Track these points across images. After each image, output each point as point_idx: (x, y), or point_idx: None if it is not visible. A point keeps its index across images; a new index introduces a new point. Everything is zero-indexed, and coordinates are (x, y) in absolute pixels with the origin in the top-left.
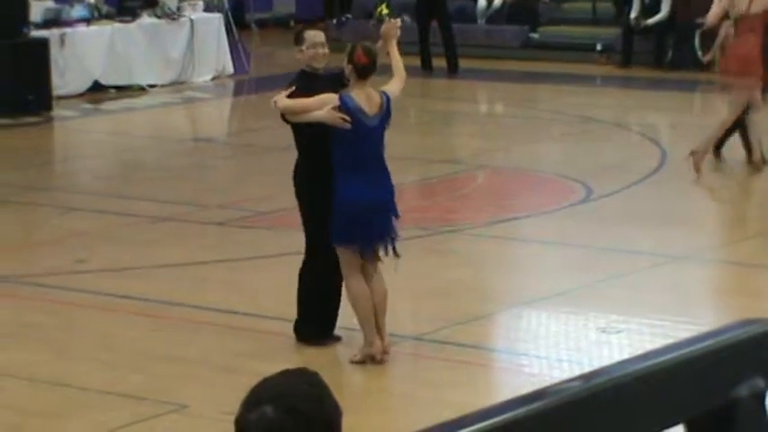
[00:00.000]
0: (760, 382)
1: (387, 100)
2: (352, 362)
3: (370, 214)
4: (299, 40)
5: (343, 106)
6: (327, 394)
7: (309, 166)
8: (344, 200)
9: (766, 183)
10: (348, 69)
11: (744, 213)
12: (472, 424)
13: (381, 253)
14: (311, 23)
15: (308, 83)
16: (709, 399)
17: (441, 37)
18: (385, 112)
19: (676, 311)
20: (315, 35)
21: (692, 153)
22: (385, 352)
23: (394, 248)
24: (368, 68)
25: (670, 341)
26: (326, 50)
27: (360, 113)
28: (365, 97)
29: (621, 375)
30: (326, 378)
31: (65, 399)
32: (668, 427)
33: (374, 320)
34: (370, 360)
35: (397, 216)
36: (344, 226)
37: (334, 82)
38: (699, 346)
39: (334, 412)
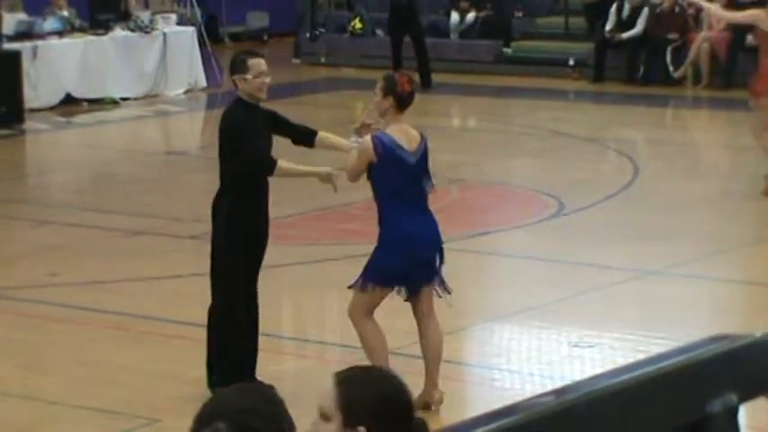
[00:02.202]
0: (732, 398)
1: (425, 140)
2: None
3: (418, 252)
4: (242, 67)
5: (380, 145)
6: (281, 410)
7: (239, 202)
8: (390, 236)
9: (739, 198)
10: (387, 104)
11: (716, 228)
12: None
13: (434, 294)
14: (284, 37)
15: (247, 115)
16: (683, 414)
17: (414, 52)
18: (423, 152)
19: (649, 326)
20: (260, 63)
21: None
22: (441, 401)
23: (443, 286)
24: (411, 97)
25: (642, 356)
26: (269, 79)
27: (398, 149)
28: (402, 132)
29: (594, 390)
30: (297, 391)
31: (36, 413)
32: None
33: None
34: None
35: (442, 260)
36: (387, 262)
37: (273, 116)
38: (671, 361)
39: (287, 428)
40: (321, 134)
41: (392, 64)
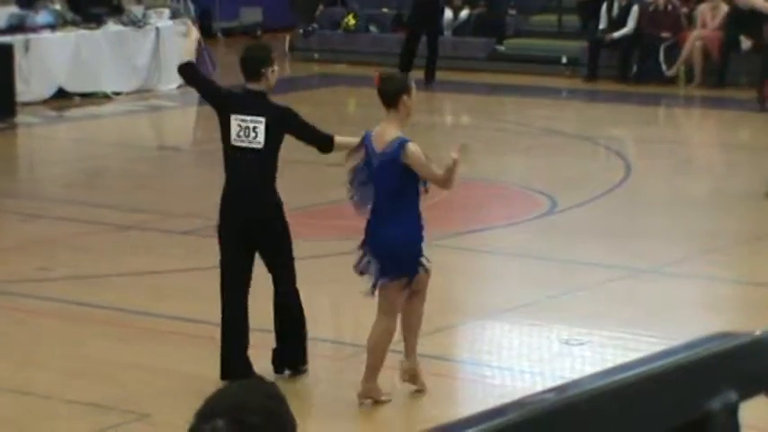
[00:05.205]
0: (732, 396)
1: (398, 145)
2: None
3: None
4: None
5: (365, 141)
6: (282, 407)
7: None
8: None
9: (731, 196)
10: None
11: (707, 227)
12: None
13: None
14: (278, 32)
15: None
16: (683, 412)
17: (427, 49)
18: (389, 155)
19: (639, 325)
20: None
21: None
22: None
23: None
24: (379, 94)
25: (632, 354)
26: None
27: (369, 150)
28: (378, 133)
29: (595, 388)
30: (291, 386)
31: (28, 407)
32: None
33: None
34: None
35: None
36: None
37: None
38: (672, 359)
39: (287, 426)
40: (338, 138)
41: (403, 60)
